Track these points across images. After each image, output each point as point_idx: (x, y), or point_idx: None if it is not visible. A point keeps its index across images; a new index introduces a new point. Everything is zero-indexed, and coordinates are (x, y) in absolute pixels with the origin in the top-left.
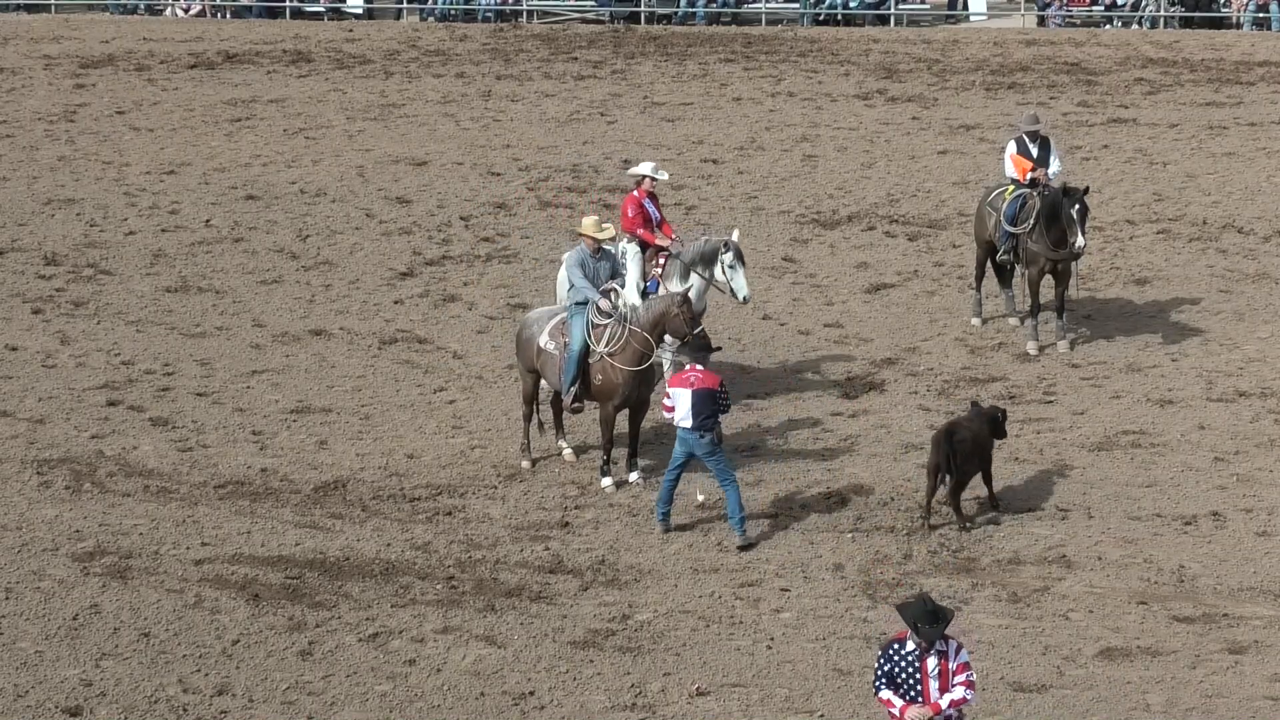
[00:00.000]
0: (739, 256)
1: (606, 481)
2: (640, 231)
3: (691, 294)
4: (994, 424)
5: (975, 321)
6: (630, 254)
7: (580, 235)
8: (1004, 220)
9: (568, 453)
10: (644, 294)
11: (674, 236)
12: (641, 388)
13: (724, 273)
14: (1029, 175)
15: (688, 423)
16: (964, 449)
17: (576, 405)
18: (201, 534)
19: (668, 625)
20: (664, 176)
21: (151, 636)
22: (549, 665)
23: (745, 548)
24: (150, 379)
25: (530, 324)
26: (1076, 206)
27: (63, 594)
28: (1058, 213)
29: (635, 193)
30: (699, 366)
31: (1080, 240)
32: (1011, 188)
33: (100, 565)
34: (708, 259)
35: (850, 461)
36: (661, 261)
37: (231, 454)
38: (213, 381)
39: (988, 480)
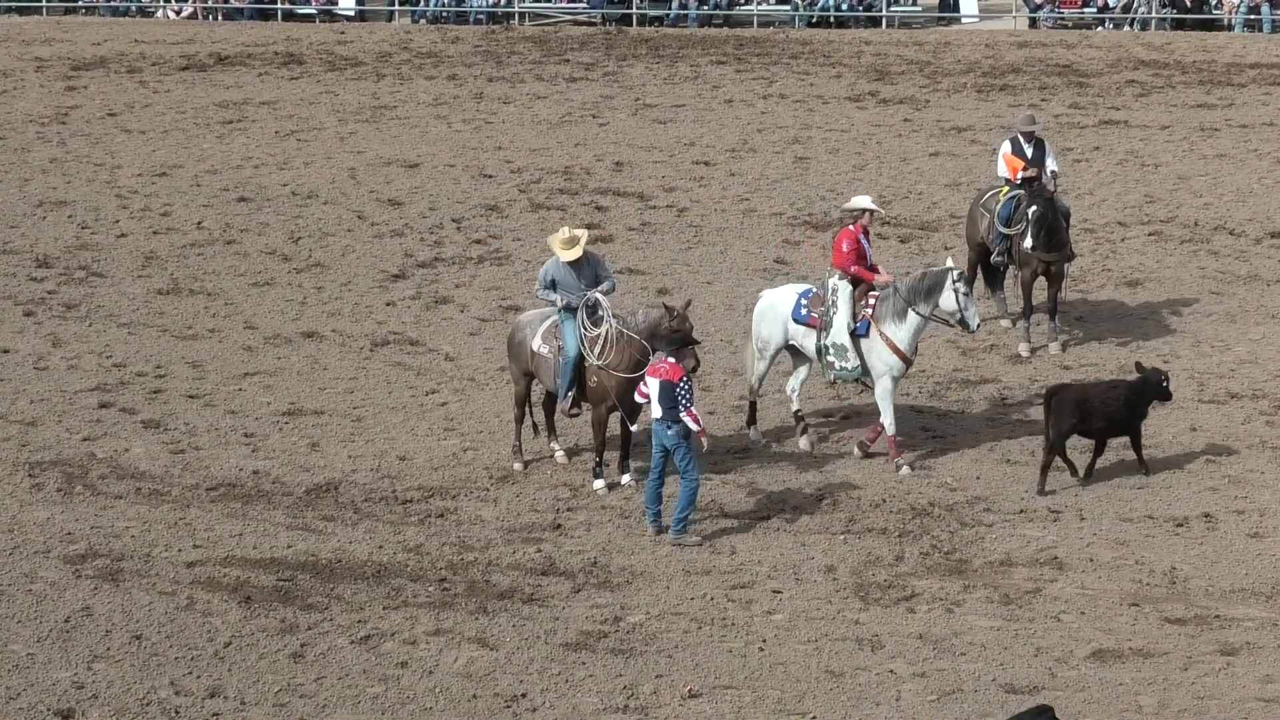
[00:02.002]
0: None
1: (599, 484)
2: (854, 269)
3: (906, 334)
4: (1153, 387)
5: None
6: (841, 292)
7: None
8: (998, 221)
9: (560, 455)
10: (853, 335)
11: (886, 275)
12: (635, 392)
13: (957, 300)
14: (1020, 175)
15: (658, 413)
16: (1064, 409)
17: (574, 411)
18: (193, 536)
19: (660, 627)
20: (883, 212)
21: (143, 639)
22: (541, 667)
23: (678, 545)
24: (142, 381)
25: (522, 327)
26: (1033, 209)
27: (54, 596)
28: (1050, 214)
29: (851, 227)
30: (670, 359)
31: (1028, 242)
32: (1006, 189)
33: (92, 568)
34: (929, 291)
35: (842, 464)
36: (872, 301)
37: (223, 456)
38: (204, 384)
39: (1136, 446)
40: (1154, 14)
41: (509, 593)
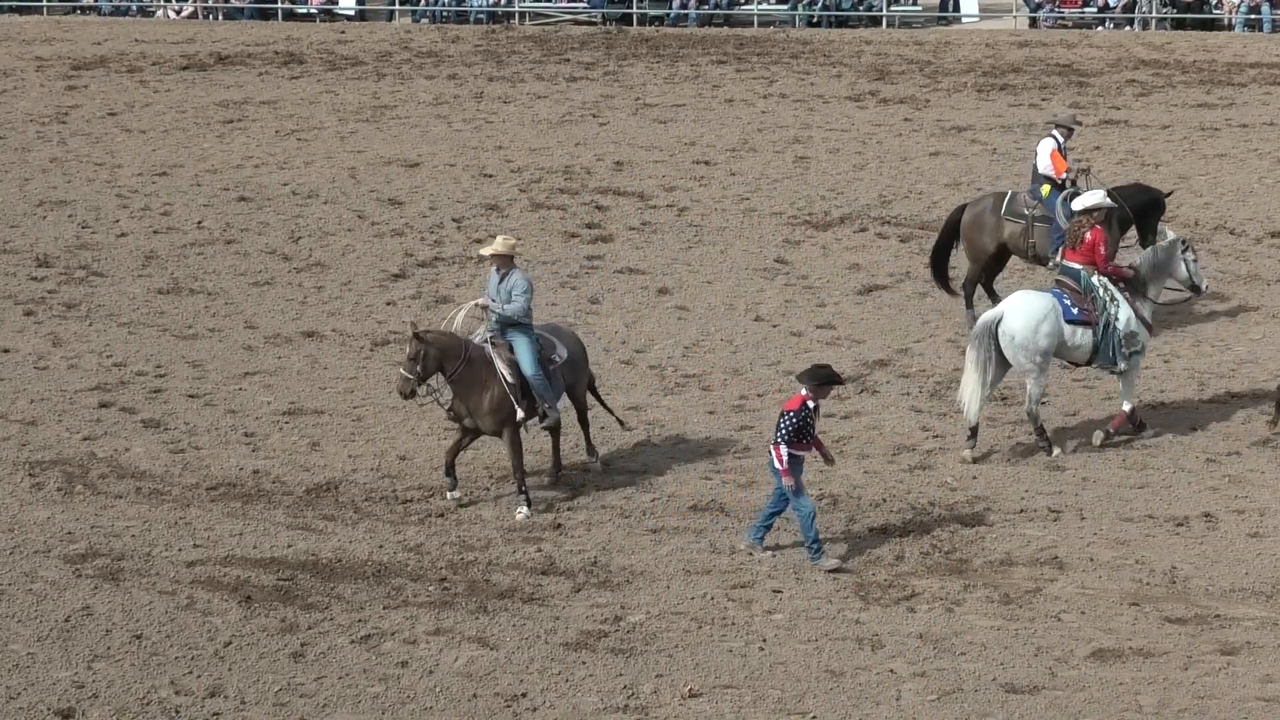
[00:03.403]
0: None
1: (523, 511)
2: (1111, 267)
3: (1149, 311)
4: None
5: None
6: (1110, 284)
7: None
8: (1062, 220)
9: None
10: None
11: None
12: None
13: (1188, 268)
14: (1064, 175)
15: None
16: None
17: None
18: (193, 536)
19: (660, 627)
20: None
21: (144, 638)
22: (541, 667)
23: (821, 569)
24: (142, 381)
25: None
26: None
27: (55, 596)
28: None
29: (1099, 226)
30: (804, 390)
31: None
32: (1047, 188)
33: (92, 567)
34: (1166, 267)
35: (842, 463)
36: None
37: (223, 456)
38: (205, 383)
39: None
40: (1154, 14)
41: (509, 592)
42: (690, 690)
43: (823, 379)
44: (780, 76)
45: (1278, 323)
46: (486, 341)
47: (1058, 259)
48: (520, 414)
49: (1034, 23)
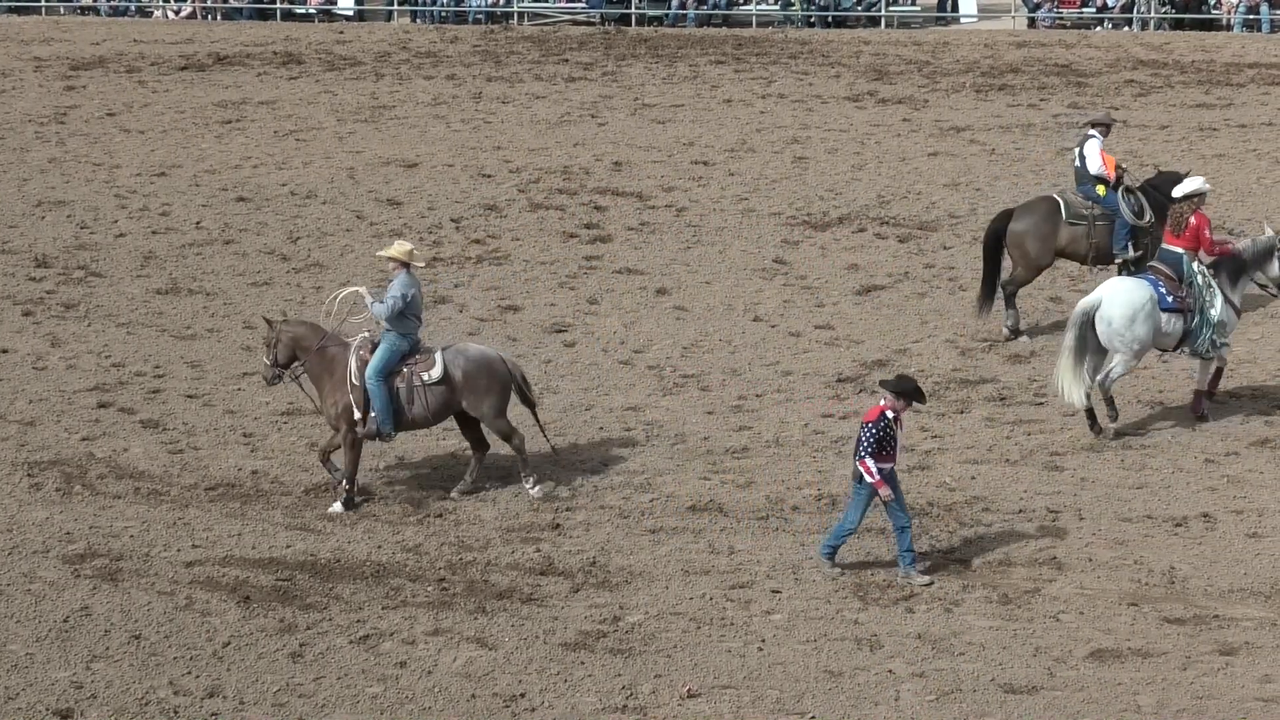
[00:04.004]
0: None
1: (337, 506)
2: (1219, 249)
3: (1239, 297)
4: None
5: (1024, 339)
6: (1208, 271)
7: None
8: (1129, 215)
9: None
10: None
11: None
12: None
13: (1278, 267)
14: (1115, 173)
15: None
16: None
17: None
18: (192, 536)
19: (659, 627)
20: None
21: (142, 639)
22: (540, 667)
23: (909, 582)
24: (141, 381)
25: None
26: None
27: (53, 596)
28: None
29: (1202, 210)
30: (884, 401)
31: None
32: (1102, 188)
33: (91, 567)
34: (1264, 258)
35: (841, 463)
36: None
37: (222, 456)
38: (203, 384)
39: None
40: (1153, 14)
41: (508, 592)
42: (689, 690)
43: (904, 391)
44: (779, 77)
45: (1276, 323)
46: (364, 338)
47: (1127, 255)
48: (358, 416)
49: (1032, 23)
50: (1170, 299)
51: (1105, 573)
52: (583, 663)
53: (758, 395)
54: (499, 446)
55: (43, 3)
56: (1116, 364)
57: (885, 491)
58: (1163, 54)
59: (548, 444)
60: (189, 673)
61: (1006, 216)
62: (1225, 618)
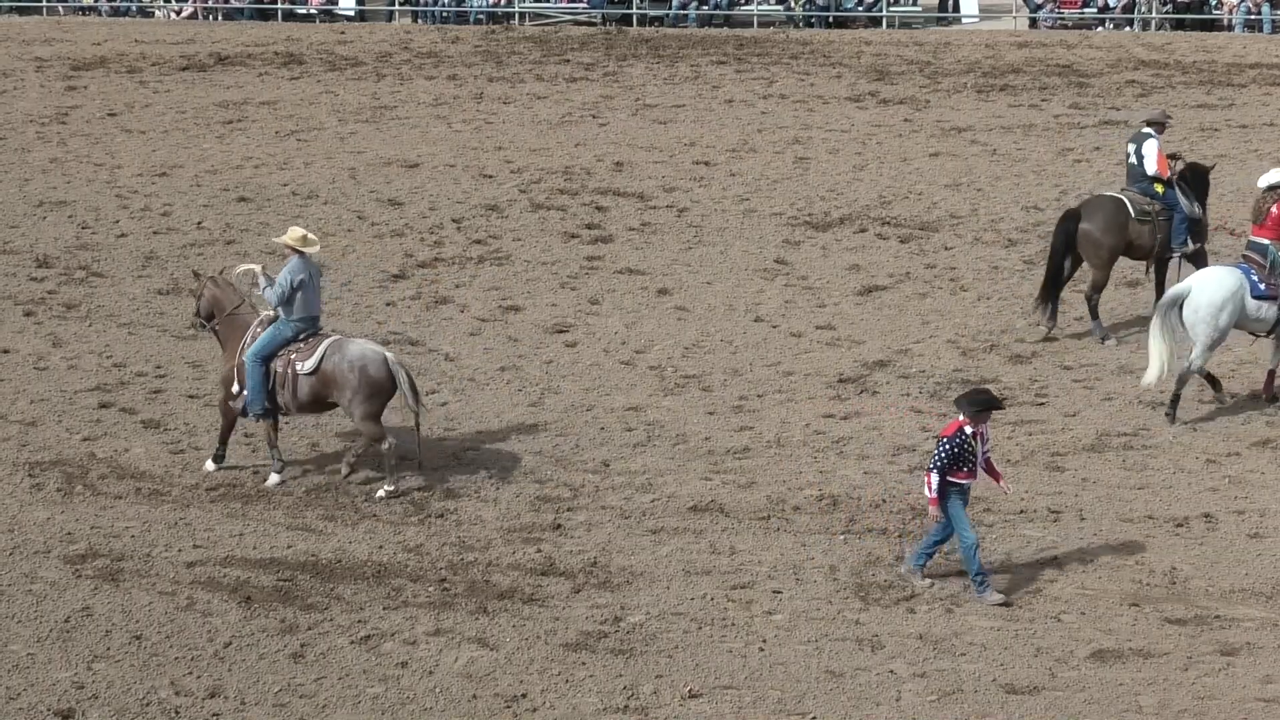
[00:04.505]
0: None
1: (209, 467)
2: None
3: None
4: None
5: (1111, 342)
6: None
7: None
8: (1194, 210)
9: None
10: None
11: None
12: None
13: None
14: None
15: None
16: None
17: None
18: (193, 536)
19: (660, 627)
20: None
21: (143, 639)
22: (541, 667)
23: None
24: (142, 381)
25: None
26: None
27: (54, 596)
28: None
29: None
30: (962, 416)
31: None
32: (1160, 186)
33: (92, 568)
34: None
35: (842, 464)
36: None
37: (229, 457)
38: (205, 384)
39: None
40: (1154, 14)
41: (509, 593)
42: (690, 691)
43: (981, 404)
44: (780, 77)
45: None
46: (268, 316)
47: (1187, 248)
48: (235, 390)
49: (1034, 23)
50: (1262, 286)
51: (1106, 573)
52: (584, 663)
53: (759, 396)
54: (501, 446)
55: (44, 3)
56: (1197, 352)
57: (934, 512)
58: (1164, 54)
59: (417, 457)
60: (190, 673)
61: (1075, 217)
62: (1227, 618)
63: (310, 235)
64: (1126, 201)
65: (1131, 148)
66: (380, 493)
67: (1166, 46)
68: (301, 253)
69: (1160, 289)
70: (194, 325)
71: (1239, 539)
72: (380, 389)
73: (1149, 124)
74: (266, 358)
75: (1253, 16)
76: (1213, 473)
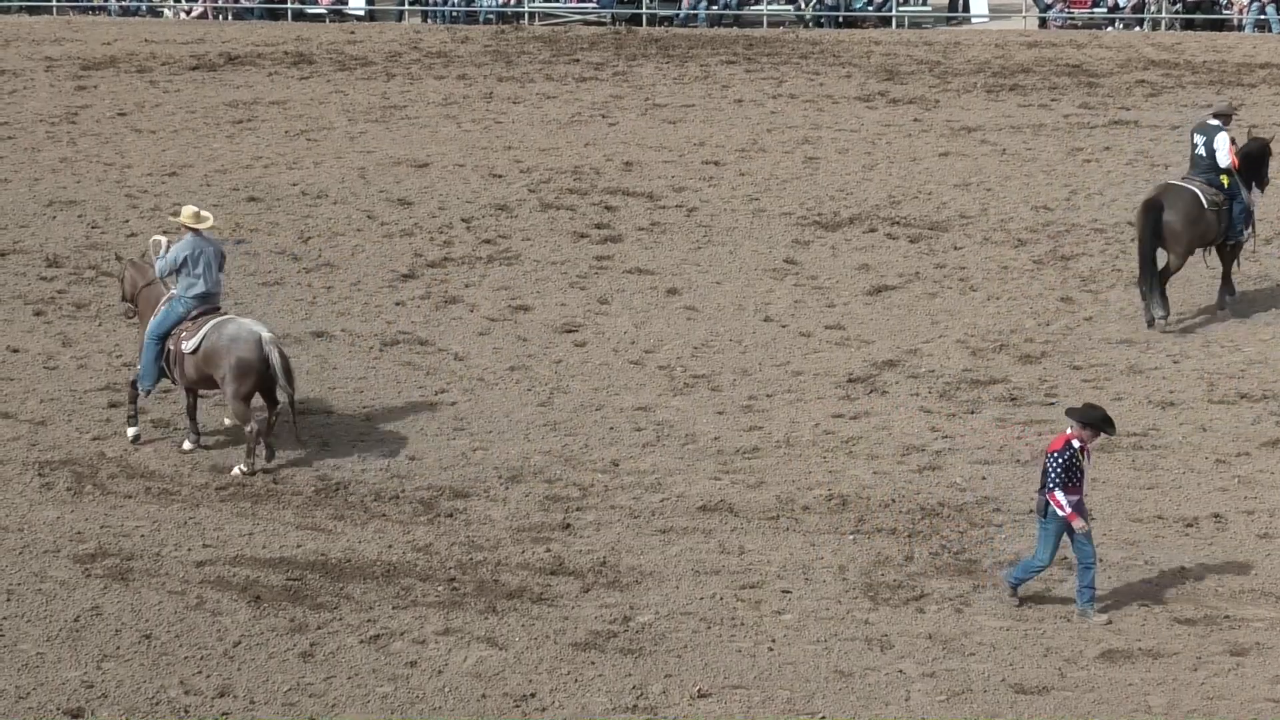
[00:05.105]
0: None
1: (132, 432)
2: None
3: None
4: None
5: (1162, 319)
6: None
7: (184, 226)
8: (1249, 199)
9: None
10: None
11: None
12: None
13: None
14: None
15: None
16: None
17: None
18: (203, 536)
19: (669, 627)
20: None
21: (153, 638)
22: (550, 667)
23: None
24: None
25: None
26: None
27: (64, 596)
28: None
29: None
30: (1070, 429)
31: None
32: (1226, 178)
33: (102, 567)
34: None
35: (851, 463)
36: None
37: (233, 456)
38: None
39: None
40: (1164, 14)
41: (518, 592)
42: (699, 690)
43: (1095, 422)
44: (790, 77)
45: None
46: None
47: (1243, 237)
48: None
49: (1043, 23)
50: None
51: (1116, 573)
52: (593, 663)
53: (768, 395)
54: (510, 445)
55: (54, 3)
56: None
57: (1080, 524)
58: (1174, 54)
59: (298, 438)
60: (199, 672)
61: (1157, 208)
62: (1236, 618)
63: (204, 213)
64: (1199, 193)
65: (1200, 139)
66: (235, 470)
67: (1176, 46)
68: (196, 230)
69: (1227, 277)
70: (125, 312)
71: (1248, 539)
72: (249, 369)
73: (1217, 116)
74: (162, 335)
75: (1263, 17)
76: (1222, 473)
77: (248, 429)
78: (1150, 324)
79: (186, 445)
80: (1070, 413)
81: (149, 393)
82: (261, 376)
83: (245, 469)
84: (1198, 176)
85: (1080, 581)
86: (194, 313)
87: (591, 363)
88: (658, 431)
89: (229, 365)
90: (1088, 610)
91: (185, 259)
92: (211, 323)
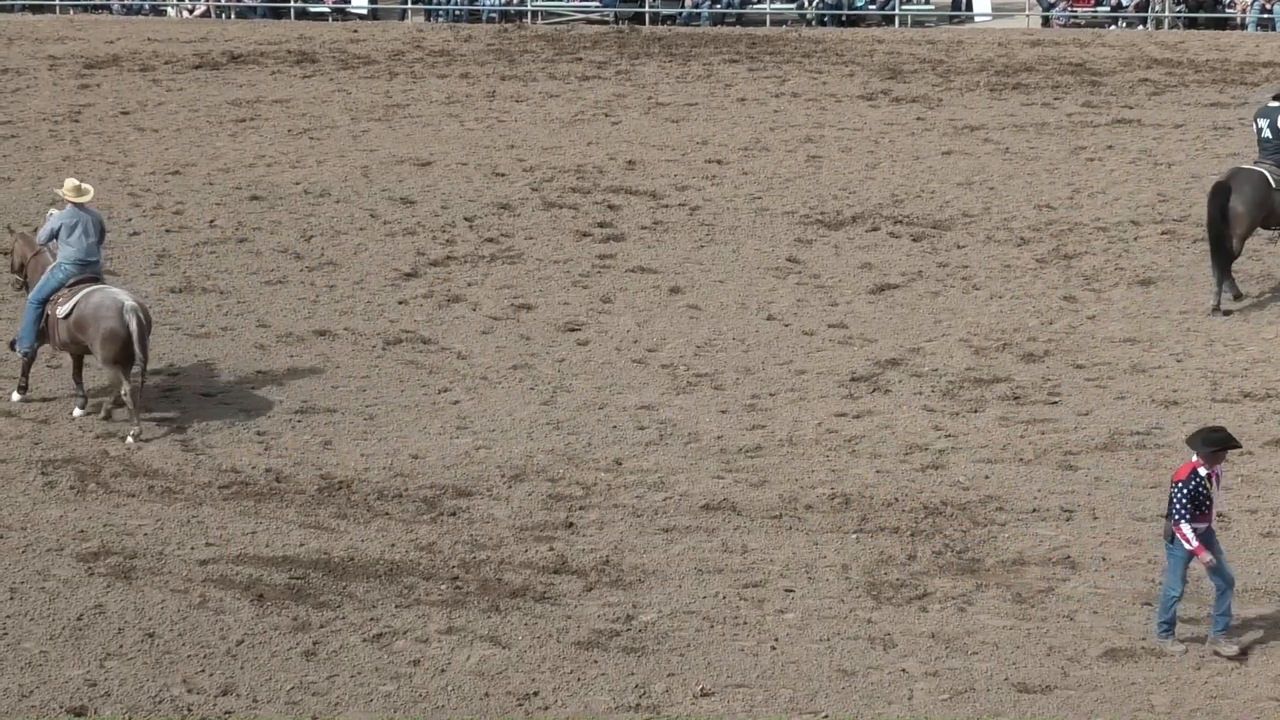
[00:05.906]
0: None
1: (15, 398)
2: None
3: None
4: None
5: (1230, 298)
6: None
7: (64, 198)
8: None
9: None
10: None
11: None
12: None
13: None
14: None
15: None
16: None
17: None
18: (206, 534)
19: (672, 626)
20: None
21: (156, 636)
22: (553, 666)
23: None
24: (155, 379)
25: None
26: None
27: (67, 594)
28: None
29: None
30: (1196, 458)
31: None
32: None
33: (105, 565)
34: None
35: (854, 462)
36: None
37: (236, 454)
38: (217, 382)
39: None
40: (1167, 13)
41: (521, 591)
42: (702, 689)
43: (1216, 443)
44: (792, 75)
45: None
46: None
47: None
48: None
49: (1047, 22)
50: None
51: (1119, 572)
52: (596, 661)
53: (771, 394)
54: (513, 444)
55: (57, 1)
56: None
57: (1207, 558)
58: (1177, 53)
59: (134, 416)
60: (202, 671)
61: (1225, 192)
62: (1239, 617)
63: (85, 186)
64: (1268, 175)
65: (1264, 122)
66: (128, 439)
67: (1179, 45)
68: (76, 203)
69: None
70: (14, 283)
71: (1252, 538)
72: (114, 336)
73: (1277, 98)
74: (42, 300)
75: (1266, 15)
76: (1225, 471)
77: (122, 390)
78: (1214, 310)
79: (76, 412)
80: (1191, 441)
81: (26, 355)
82: (125, 343)
83: (134, 435)
84: (1267, 159)
85: (1215, 609)
86: (71, 280)
87: (594, 361)
88: (661, 430)
89: (96, 333)
90: (1219, 640)
91: (62, 226)
92: (84, 291)
